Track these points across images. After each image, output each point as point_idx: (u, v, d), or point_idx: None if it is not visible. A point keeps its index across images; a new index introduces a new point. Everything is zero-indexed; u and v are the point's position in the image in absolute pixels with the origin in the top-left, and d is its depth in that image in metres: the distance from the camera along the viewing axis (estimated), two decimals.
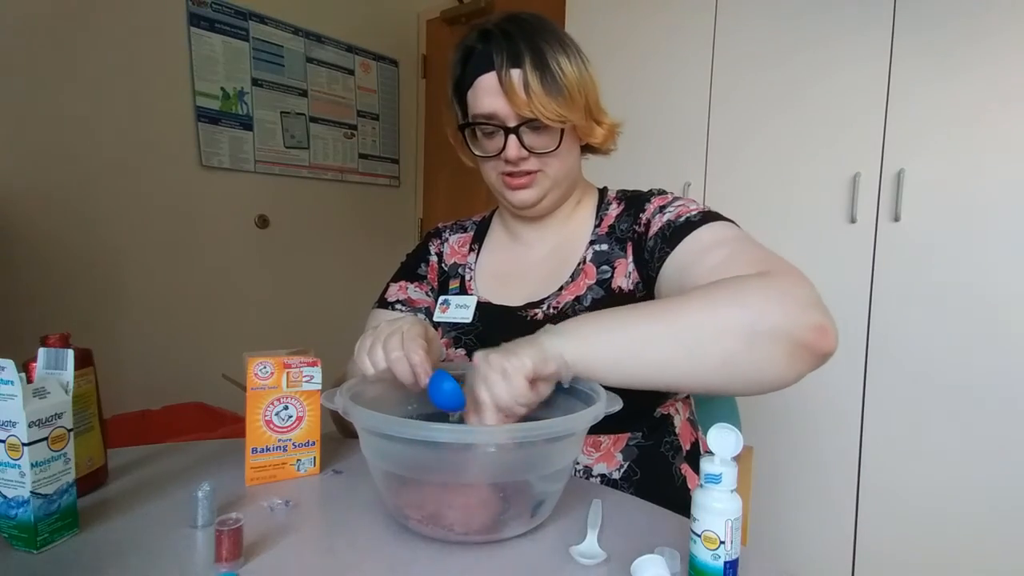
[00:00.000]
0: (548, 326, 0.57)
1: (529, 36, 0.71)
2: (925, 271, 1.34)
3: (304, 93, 2.49)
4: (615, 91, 1.85)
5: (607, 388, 0.57)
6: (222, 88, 2.21)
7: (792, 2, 1.51)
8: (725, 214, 0.73)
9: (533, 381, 0.52)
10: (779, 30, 1.53)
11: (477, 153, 0.78)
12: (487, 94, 0.72)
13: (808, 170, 1.50)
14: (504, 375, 0.51)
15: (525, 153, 0.73)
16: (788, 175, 1.53)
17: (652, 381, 0.55)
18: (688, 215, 0.71)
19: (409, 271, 0.92)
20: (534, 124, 0.72)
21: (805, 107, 1.50)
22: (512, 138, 0.72)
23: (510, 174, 0.76)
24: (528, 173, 0.75)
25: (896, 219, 1.36)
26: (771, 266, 0.60)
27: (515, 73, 0.69)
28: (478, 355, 0.54)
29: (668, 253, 0.69)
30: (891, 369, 1.39)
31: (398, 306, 0.87)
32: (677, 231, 0.70)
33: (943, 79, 1.31)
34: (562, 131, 0.73)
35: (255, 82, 2.31)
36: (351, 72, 2.66)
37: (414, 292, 0.89)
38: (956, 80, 1.29)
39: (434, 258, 0.92)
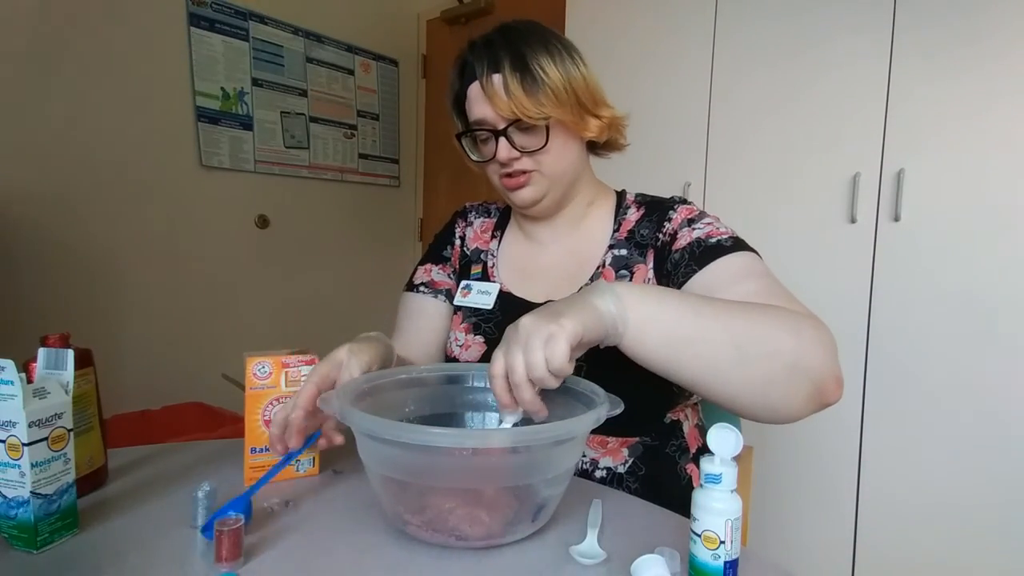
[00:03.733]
0: (599, 283, 0.56)
1: (511, 42, 0.73)
2: (925, 271, 1.34)
3: (304, 93, 2.48)
4: (615, 91, 1.85)
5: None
6: (222, 88, 2.21)
7: (792, 2, 1.51)
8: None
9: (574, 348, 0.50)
10: (779, 30, 1.53)
11: (476, 159, 0.80)
12: (475, 102, 0.75)
13: (808, 170, 1.50)
14: (547, 340, 0.48)
15: (516, 153, 0.74)
16: (788, 175, 1.53)
17: (692, 375, 0.56)
18: (720, 238, 0.72)
19: (435, 253, 0.94)
20: (522, 125, 0.73)
21: (805, 107, 1.50)
22: (502, 140, 0.74)
23: (507, 175, 0.77)
24: (524, 172, 0.76)
25: (896, 219, 1.36)
26: (803, 310, 0.62)
27: (496, 78, 0.72)
28: (525, 319, 0.51)
29: (695, 271, 0.70)
30: (891, 369, 1.39)
31: (422, 288, 0.90)
32: (708, 251, 0.71)
33: (943, 78, 1.31)
34: (547, 128, 0.74)
35: (255, 82, 2.31)
36: (351, 72, 2.66)
37: (437, 274, 0.92)
38: (956, 79, 1.29)
39: (457, 241, 0.94)
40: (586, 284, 0.79)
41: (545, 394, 0.54)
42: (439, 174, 2.92)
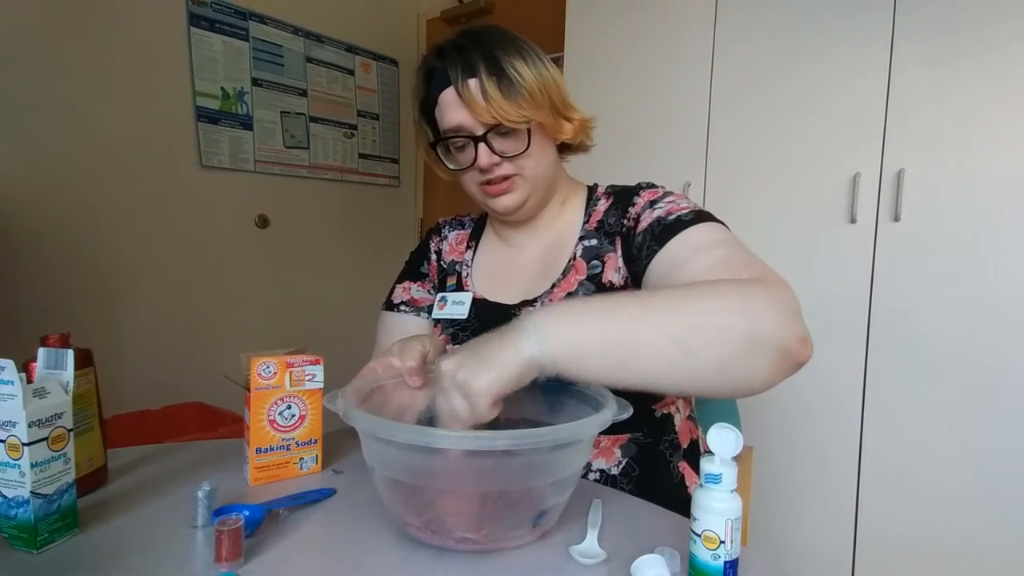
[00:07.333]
0: (523, 320, 0.52)
1: (482, 46, 0.72)
2: (925, 271, 1.34)
3: (304, 93, 2.48)
4: (615, 91, 1.86)
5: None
6: (222, 88, 2.21)
7: (793, 2, 1.51)
8: (719, 216, 0.73)
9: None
10: (780, 31, 1.53)
11: (452, 167, 0.79)
12: (450, 108, 0.73)
13: (808, 170, 1.50)
14: (467, 396, 0.50)
15: (497, 159, 0.74)
16: (788, 175, 1.53)
17: (641, 382, 0.53)
18: (680, 213, 0.71)
19: (412, 270, 0.94)
20: (501, 129, 0.72)
21: (805, 107, 1.50)
22: (482, 146, 0.73)
23: (488, 182, 0.76)
24: (506, 178, 0.76)
25: (896, 219, 1.36)
26: (762, 273, 0.60)
27: (472, 83, 0.70)
28: (448, 364, 0.52)
29: (656, 251, 0.69)
30: (891, 369, 1.39)
31: (403, 307, 0.90)
32: (667, 229, 0.70)
33: (943, 79, 1.31)
34: (529, 131, 0.73)
35: (255, 82, 2.31)
36: (351, 72, 2.66)
37: (417, 292, 0.91)
38: (956, 80, 1.29)
39: (434, 256, 0.94)
40: (559, 279, 0.78)
41: (553, 396, 0.53)
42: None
